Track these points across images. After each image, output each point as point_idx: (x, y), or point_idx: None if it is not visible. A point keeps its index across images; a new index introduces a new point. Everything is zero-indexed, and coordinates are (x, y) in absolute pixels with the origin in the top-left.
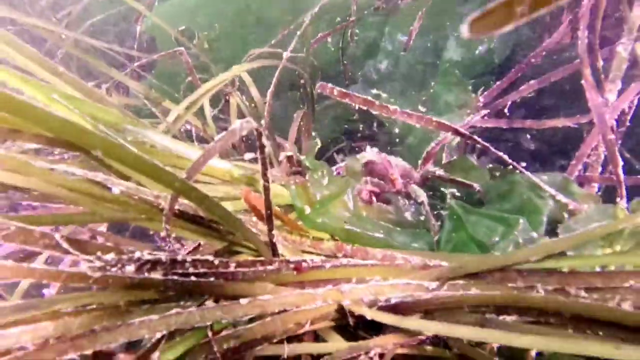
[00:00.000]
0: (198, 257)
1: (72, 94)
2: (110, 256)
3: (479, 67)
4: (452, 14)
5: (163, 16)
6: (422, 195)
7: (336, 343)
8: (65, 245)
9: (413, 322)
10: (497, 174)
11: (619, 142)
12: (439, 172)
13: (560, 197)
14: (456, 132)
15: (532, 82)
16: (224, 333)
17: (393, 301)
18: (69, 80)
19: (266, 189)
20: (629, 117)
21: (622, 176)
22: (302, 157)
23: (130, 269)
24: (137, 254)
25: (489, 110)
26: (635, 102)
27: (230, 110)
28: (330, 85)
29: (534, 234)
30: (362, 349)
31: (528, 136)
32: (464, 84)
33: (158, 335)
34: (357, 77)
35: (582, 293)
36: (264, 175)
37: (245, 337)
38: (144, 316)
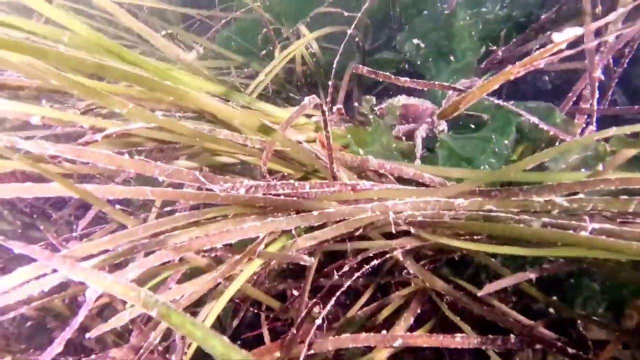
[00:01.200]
0: (284, 182)
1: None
2: (228, 184)
3: (496, 27)
4: None
5: None
6: (442, 125)
7: (378, 241)
8: (201, 179)
9: (429, 236)
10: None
11: (616, 81)
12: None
13: (542, 123)
14: (453, 89)
15: (549, 33)
16: (304, 235)
17: (419, 218)
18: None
19: (327, 137)
20: (627, 60)
21: (595, 106)
22: (365, 112)
23: (242, 191)
24: (245, 182)
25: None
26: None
27: (296, 61)
28: (361, 66)
29: (506, 142)
30: (387, 245)
31: (546, 77)
32: (474, 41)
33: (261, 235)
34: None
35: (565, 203)
36: (326, 129)
37: (318, 238)
38: (251, 223)
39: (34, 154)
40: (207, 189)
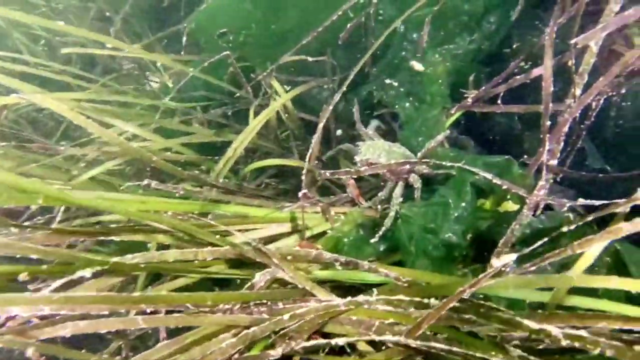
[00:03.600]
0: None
1: None
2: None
3: (466, 65)
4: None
5: (204, 20)
6: (418, 182)
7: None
8: (190, 306)
9: None
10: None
11: (584, 133)
12: (426, 170)
13: (496, 179)
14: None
15: (518, 77)
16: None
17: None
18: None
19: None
20: (594, 113)
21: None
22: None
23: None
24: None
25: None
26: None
27: (269, 122)
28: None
29: (463, 204)
30: None
31: (516, 118)
32: (442, 88)
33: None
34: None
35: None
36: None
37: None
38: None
39: None
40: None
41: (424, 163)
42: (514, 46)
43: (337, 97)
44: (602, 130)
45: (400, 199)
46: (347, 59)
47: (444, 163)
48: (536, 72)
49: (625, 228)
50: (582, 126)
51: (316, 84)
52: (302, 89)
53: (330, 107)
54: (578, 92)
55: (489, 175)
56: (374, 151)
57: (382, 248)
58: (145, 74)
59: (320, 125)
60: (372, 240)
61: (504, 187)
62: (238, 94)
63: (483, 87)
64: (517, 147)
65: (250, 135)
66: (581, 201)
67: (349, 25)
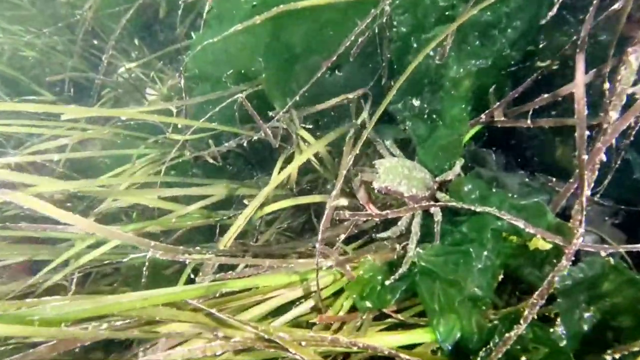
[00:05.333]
0: None
1: None
2: None
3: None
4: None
5: (203, 63)
6: (438, 214)
7: None
8: None
9: None
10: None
11: (623, 152)
12: (444, 200)
13: (528, 226)
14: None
15: (545, 95)
16: None
17: None
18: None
19: None
20: (633, 132)
21: (584, 203)
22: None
23: None
24: None
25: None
26: None
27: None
28: (343, 213)
29: (485, 252)
30: None
31: None
32: (463, 114)
33: None
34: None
35: None
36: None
37: None
38: None
39: None
40: None
41: (443, 204)
42: (540, 45)
43: (360, 141)
44: None
45: (419, 234)
46: (360, 72)
47: (466, 206)
48: (566, 89)
49: None
50: (623, 142)
51: (345, 128)
52: (332, 137)
53: (352, 155)
54: (615, 115)
55: (520, 224)
56: (394, 178)
57: (400, 292)
58: (142, 89)
59: (343, 172)
60: (387, 282)
61: (538, 235)
62: (256, 137)
63: (503, 100)
64: (548, 156)
65: (278, 181)
66: (623, 247)
67: (360, 40)
